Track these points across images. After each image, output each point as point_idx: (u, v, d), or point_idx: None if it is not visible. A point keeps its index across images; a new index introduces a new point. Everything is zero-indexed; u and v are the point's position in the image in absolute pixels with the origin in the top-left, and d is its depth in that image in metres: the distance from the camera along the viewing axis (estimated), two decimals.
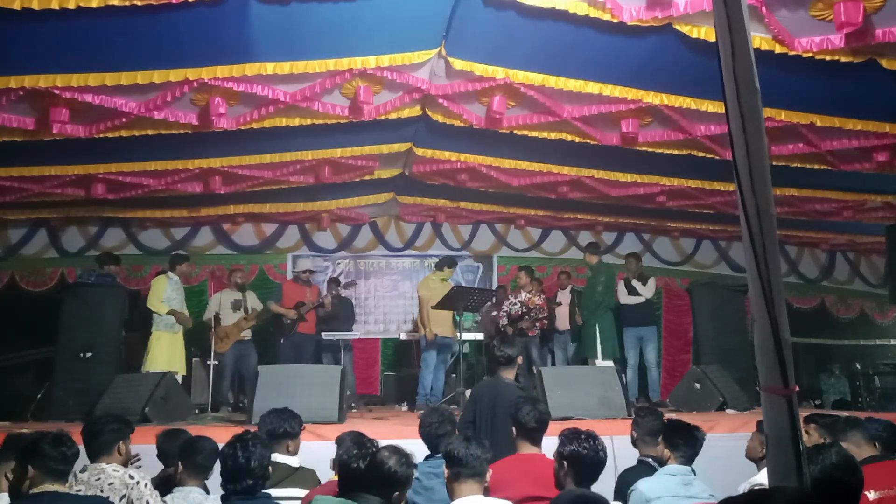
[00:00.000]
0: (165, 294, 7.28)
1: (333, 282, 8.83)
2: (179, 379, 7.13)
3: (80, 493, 2.97)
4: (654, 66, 4.99)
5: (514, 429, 3.57)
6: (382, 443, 3.18)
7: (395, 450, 2.90)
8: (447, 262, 8.14)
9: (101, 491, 3.16)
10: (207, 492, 3.32)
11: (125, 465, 3.42)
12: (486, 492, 2.97)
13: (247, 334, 7.94)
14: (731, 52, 1.76)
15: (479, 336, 8.48)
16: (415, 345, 9.49)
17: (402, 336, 9.30)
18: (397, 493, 2.84)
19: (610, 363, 7.65)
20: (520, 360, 4.80)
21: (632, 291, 8.34)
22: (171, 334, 7.27)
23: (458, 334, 7.27)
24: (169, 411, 5.94)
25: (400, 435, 4.89)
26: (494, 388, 4.62)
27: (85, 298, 7.04)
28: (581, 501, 2.44)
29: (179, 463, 3.35)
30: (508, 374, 4.71)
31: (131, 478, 3.23)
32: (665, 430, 3.56)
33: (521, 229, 10.49)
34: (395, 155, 7.33)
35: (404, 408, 8.12)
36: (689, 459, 3.42)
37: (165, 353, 7.18)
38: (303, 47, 4.76)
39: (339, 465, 3.07)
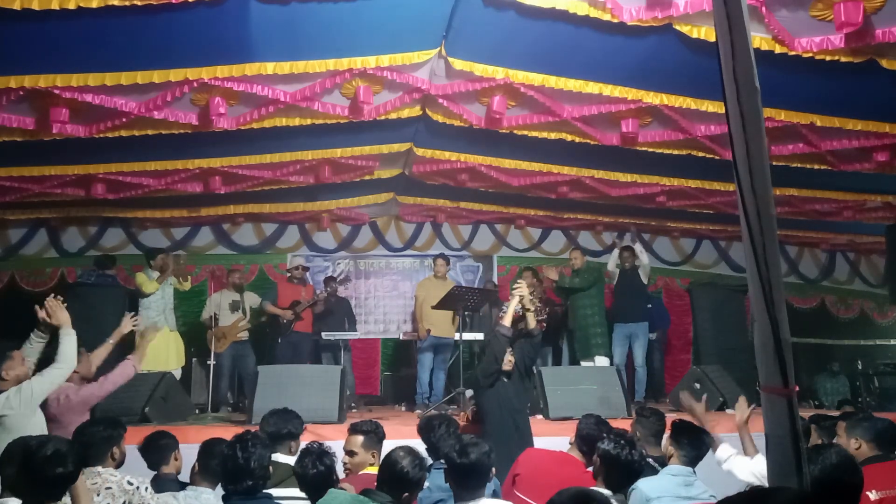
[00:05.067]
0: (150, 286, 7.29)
1: (329, 280, 8.83)
2: (178, 374, 7.11)
3: None
4: (654, 66, 4.98)
5: None
6: (385, 443, 3.18)
7: (410, 451, 2.89)
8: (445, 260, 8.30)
9: (98, 495, 3.09)
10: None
11: (120, 466, 3.38)
12: (495, 494, 2.97)
13: (244, 335, 7.93)
14: (731, 52, 1.76)
15: (479, 336, 8.48)
16: (414, 345, 9.48)
17: (402, 336, 9.29)
18: (407, 493, 2.83)
19: (606, 360, 7.64)
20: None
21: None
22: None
23: (457, 334, 7.28)
24: (169, 411, 5.95)
25: (400, 435, 4.88)
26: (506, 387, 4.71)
27: (85, 298, 7.04)
28: (582, 499, 2.43)
29: (196, 463, 3.35)
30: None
31: (130, 483, 3.16)
32: (673, 430, 3.56)
33: (521, 229, 10.48)
34: (395, 155, 7.32)
35: (402, 408, 8.12)
36: (692, 461, 3.42)
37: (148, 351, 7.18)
38: (303, 47, 4.75)
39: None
